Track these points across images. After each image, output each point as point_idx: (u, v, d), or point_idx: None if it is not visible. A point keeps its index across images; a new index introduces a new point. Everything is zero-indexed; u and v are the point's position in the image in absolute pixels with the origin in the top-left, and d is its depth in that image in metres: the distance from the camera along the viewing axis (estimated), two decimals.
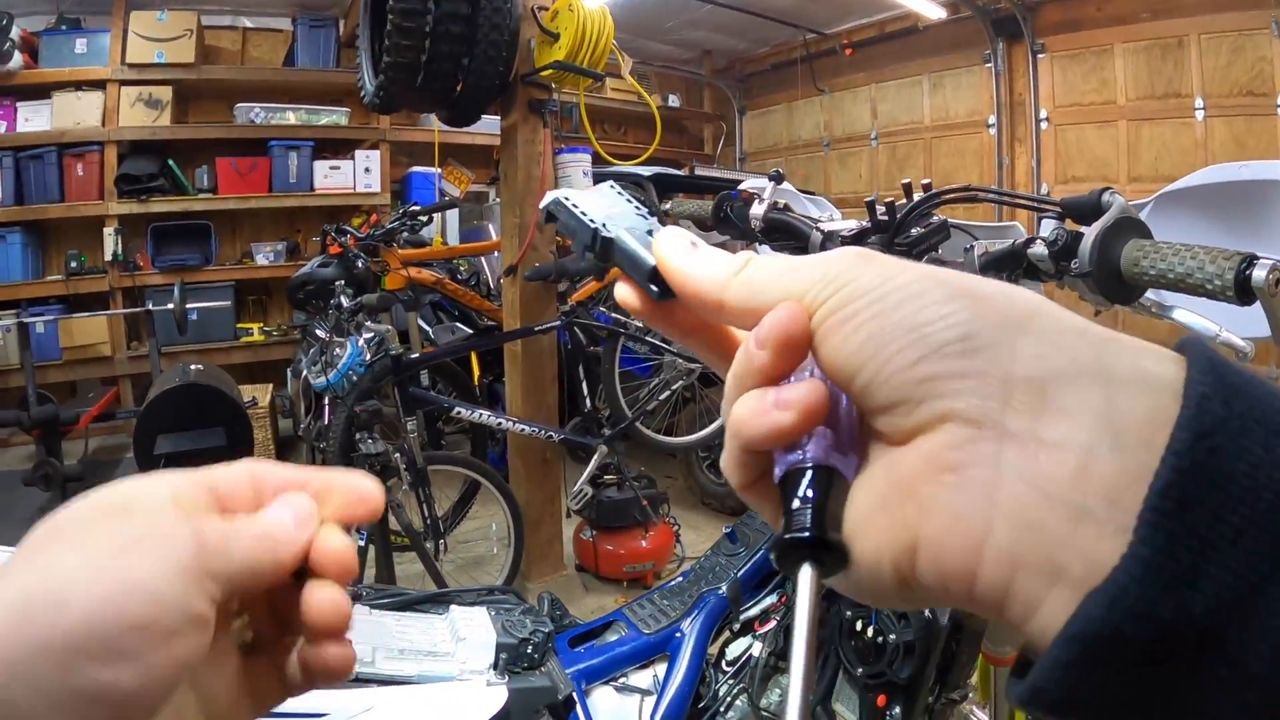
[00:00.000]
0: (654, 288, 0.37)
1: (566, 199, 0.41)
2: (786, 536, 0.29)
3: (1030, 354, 0.27)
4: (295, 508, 0.37)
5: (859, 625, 1.26)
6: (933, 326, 0.28)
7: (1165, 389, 0.25)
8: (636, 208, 0.41)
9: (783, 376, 0.32)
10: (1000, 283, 0.29)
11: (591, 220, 0.40)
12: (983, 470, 0.26)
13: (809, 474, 0.30)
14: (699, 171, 5.40)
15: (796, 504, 0.30)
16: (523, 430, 3.06)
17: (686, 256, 0.35)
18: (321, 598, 0.36)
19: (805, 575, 0.29)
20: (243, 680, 0.37)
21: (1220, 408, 0.24)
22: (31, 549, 0.32)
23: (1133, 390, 0.26)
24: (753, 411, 0.31)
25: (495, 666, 1.20)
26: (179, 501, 0.34)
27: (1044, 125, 6.09)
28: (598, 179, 3.40)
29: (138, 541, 0.32)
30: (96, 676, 0.29)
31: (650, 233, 0.38)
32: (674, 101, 8.33)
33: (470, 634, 1.22)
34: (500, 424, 3.04)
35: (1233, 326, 1.07)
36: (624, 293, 0.38)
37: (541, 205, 0.42)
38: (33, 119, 5.42)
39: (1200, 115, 5.23)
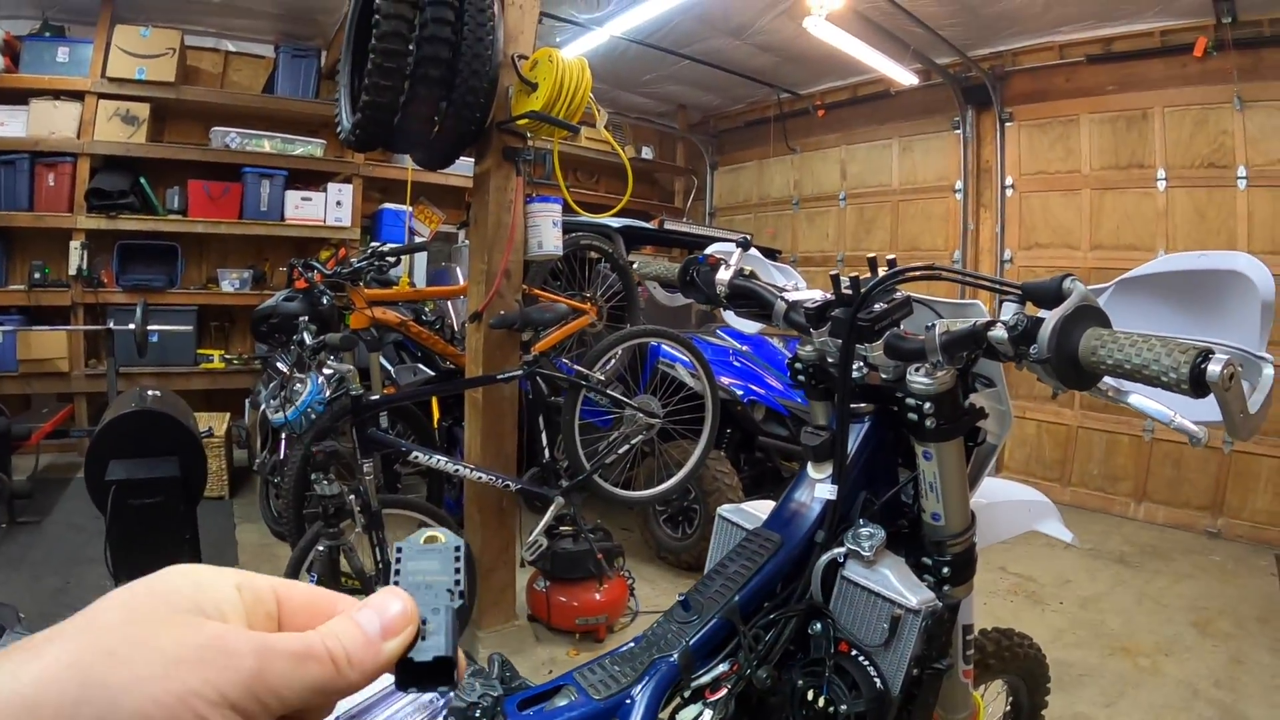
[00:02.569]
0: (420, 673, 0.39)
1: (400, 549, 0.43)
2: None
3: None
4: (360, 642, 0.37)
5: (810, 695, 1.24)
6: None
7: None
8: (453, 583, 0.41)
9: None
10: None
11: (395, 580, 0.41)
12: None
13: None
14: (668, 225, 5.43)
15: None
16: (480, 478, 3.01)
17: None
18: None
19: None
20: None
21: None
22: (98, 628, 0.32)
23: None
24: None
25: None
26: (251, 611, 0.35)
27: (1009, 192, 6.23)
28: (567, 229, 3.42)
29: (201, 654, 0.32)
30: None
31: (440, 611, 0.40)
32: (647, 153, 8.44)
33: (417, 696, 1.18)
34: (458, 471, 3.00)
35: (1186, 412, 1.09)
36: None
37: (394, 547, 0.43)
38: (8, 124, 5.37)
39: (1162, 185, 5.39)
